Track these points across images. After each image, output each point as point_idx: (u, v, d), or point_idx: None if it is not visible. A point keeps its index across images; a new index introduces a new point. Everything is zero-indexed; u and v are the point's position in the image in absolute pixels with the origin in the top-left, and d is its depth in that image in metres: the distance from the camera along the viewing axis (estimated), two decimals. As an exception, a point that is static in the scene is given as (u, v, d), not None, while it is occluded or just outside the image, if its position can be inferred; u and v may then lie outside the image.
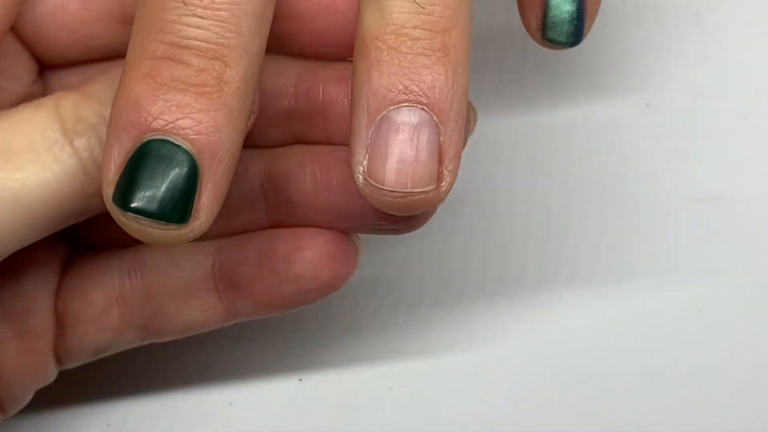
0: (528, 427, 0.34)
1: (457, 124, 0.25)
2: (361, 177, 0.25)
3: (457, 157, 0.25)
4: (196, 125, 0.24)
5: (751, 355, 0.34)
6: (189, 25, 0.24)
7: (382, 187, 0.25)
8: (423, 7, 0.25)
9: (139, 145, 0.24)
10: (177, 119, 0.24)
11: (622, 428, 0.34)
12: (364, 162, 0.25)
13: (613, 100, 0.36)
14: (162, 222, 0.24)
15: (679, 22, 0.37)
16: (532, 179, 0.36)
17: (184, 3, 0.24)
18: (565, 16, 0.28)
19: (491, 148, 0.36)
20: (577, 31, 0.28)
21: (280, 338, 0.34)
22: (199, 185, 0.24)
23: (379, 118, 0.25)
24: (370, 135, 0.25)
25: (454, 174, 0.25)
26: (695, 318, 0.35)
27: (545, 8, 0.28)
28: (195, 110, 0.24)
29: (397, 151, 0.25)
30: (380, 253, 0.35)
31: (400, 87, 0.25)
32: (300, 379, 0.34)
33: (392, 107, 0.25)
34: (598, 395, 0.34)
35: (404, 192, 0.25)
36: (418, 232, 0.28)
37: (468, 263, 0.35)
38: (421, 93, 0.25)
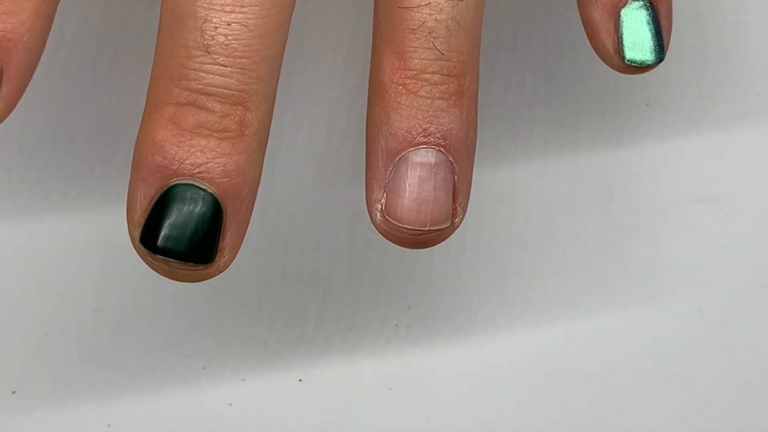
0: (528, 427, 0.34)
1: (469, 163, 0.26)
2: (378, 214, 0.26)
3: (469, 193, 0.26)
4: (221, 169, 0.24)
5: (751, 355, 0.34)
6: (212, 73, 0.25)
7: (401, 225, 0.26)
8: (443, 54, 0.26)
9: (165, 188, 0.24)
10: (202, 164, 0.24)
11: (622, 428, 0.34)
12: (382, 200, 0.26)
13: (613, 100, 0.36)
14: (190, 263, 0.25)
15: (679, 22, 0.37)
16: (532, 179, 0.36)
17: (207, 51, 0.24)
18: (644, 31, 0.27)
19: (491, 150, 0.36)
20: (659, 46, 0.28)
21: (280, 338, 0.34)
22: (223, 226, 0.25)
23: (397, 158, 0.26)
24: (388, 175, 0.26)
25: (465, 209, 0.26)
26: (695, 318, 0.35)
27: (620, 27, 0.28)
28: (219, 155, 0.25)
29: (416, 191, 0.26)
30: (380, 252, 0.35)
31: (419, 130, 0.26)
32: (300, 380, 0.34)
33: (411, 149, 0.26)
34: (598, 395, 0.34)
35: (422, 230, 0.26)
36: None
37: (468, 263, 0.35)
38: (439, 135, 0.26)
